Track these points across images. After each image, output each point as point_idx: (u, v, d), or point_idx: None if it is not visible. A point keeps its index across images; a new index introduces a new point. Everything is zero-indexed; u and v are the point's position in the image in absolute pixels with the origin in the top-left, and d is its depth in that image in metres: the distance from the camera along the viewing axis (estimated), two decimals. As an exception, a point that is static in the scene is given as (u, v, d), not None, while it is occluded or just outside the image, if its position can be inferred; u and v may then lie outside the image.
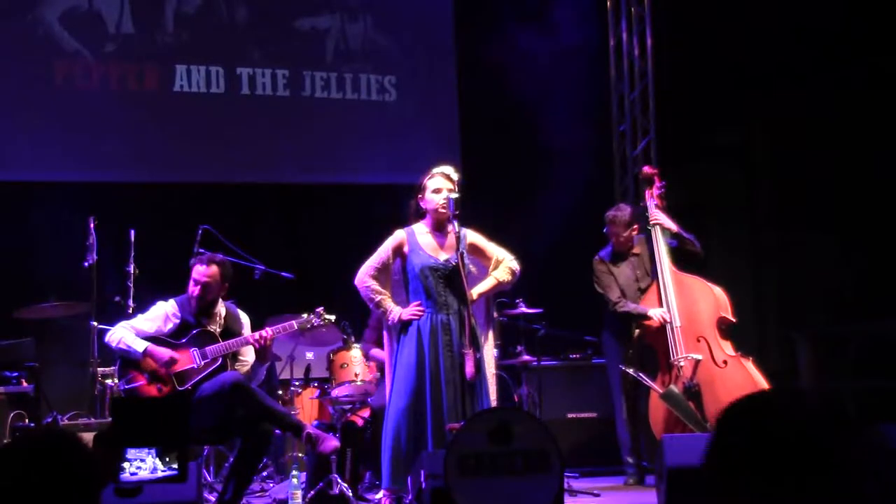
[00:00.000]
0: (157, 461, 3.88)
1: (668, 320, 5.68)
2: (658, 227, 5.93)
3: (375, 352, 6.06)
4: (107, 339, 5.22)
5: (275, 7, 8.42)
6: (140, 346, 5.13)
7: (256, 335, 5.19)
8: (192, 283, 5.27)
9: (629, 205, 6.62)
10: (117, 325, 5.26)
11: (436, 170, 5.10)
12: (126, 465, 3.83)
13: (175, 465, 3.86)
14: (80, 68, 7.80)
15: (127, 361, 5.17)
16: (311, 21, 8.44)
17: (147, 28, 8.01)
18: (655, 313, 5.73)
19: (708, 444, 1.32)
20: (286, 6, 8.44)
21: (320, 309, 5.48)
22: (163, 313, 5.25)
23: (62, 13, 7.77)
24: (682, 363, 5.56)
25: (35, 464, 1.63)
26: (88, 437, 4.39)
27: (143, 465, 3.88)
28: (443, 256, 5.03)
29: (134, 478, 3.83)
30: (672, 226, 5.97)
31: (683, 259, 5.94)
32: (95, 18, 7.84)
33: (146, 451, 3.85)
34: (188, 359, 5.19)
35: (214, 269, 5.29)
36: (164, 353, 5.12)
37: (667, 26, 8.22)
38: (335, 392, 5.97)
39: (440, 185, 5.04)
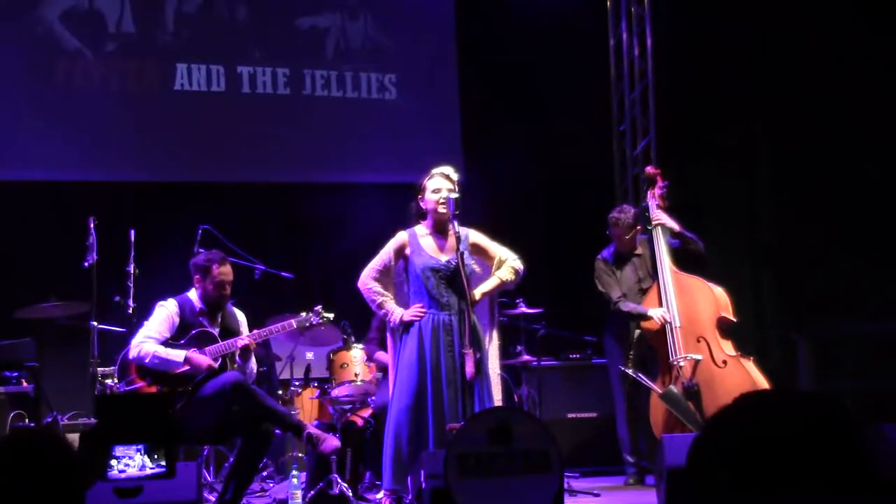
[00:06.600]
0: (146, 458, 3.88)
1: (668, 320, 5.68)
2: (659, 228, 5.93)
3: (379, 354, 6.04)
4: (135, 355, 5.08)
5: (275, 5, 8.41)
6: (179, 355, 5.06)
7: (247, 338, 5.20)
8: (216, 283, 5.22)
9: (631, 206, 6.61)
10: (136, 339, 5.14)
11: (435, 170, 5.10)
12: (114, 462, 3.83)
13: (163, 463, 3.86)
14: (81, 67, 7.80)
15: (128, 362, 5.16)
16: (312, 19, 8.43)
17: (147, 27, 8.01)
18: (655, 313, 5.73)
19: (694, 446, 1.23)
20: (286, 5, 8.44)
21: (318, 307, 5.49)
22: (167, 315, 5.20)
23: (63, 12, 7.77)
24: (681, 363, 5.56)
25: (18, 465, 1.62)
26: (74, 436, 4.37)
27: (131, 462, 3.88)
28: (444, 257, 5.02)
29: (122, 475, 3.83)
30: (674, 225, 5.97)
31: (685, 259, 5.94)
32: (96, 17, 7.84)
33: (134, 448, 3.85)
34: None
35: (230, 266, 5.34)
36: (203, 359, 5.09)
37: (667, 26, 8.21)
38: (335, 392, 5.98)
39: (439, 185, 5.03)
